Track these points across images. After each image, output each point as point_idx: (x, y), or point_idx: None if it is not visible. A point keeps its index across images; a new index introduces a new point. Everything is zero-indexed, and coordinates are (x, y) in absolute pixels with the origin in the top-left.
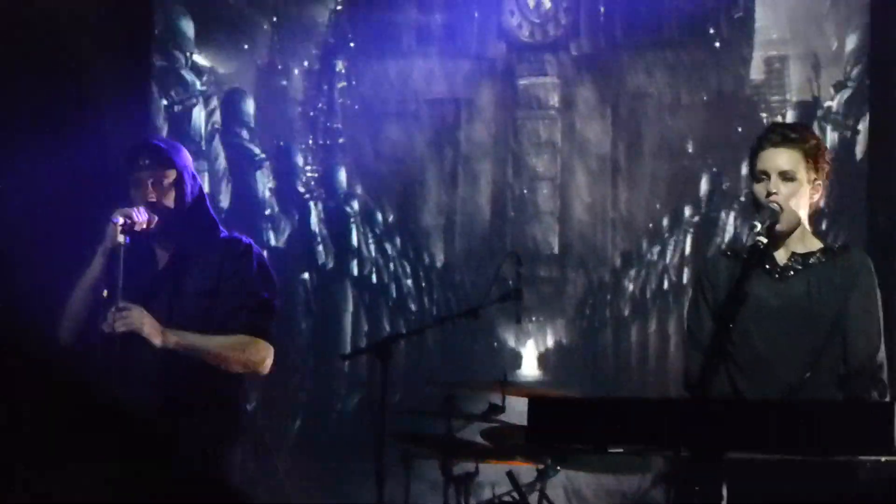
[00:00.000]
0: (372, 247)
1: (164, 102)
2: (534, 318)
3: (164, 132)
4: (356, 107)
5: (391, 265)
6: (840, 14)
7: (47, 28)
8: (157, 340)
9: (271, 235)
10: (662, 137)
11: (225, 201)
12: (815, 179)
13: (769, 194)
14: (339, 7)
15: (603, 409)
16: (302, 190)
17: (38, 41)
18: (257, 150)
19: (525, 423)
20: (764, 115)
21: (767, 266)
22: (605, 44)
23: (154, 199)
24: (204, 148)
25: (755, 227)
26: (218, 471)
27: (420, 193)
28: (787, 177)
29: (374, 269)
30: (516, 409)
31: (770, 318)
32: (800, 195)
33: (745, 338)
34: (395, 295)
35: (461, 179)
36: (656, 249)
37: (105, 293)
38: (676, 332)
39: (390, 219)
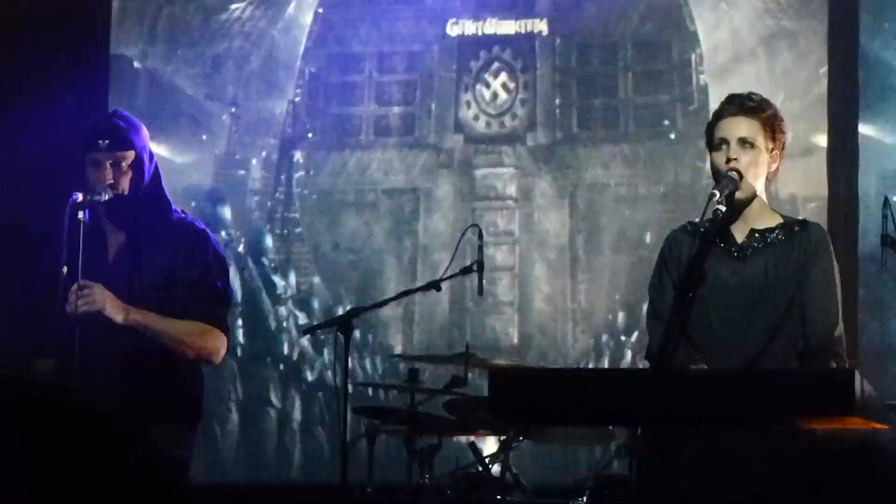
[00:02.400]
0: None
1: None
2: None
3: None
4: (314, 197)
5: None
6: (794, 106)
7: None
8: (119, 317)
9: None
10: (620, 229)
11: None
12: (773, 149)
13: (728, 161)
14: (297, 98)
15: (564, 382)
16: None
17: None
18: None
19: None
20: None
21: (727, 244)
22: (561, 136)
23: (112, 181)
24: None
25: (714, 195)
26: (179, 454)
27: (378, 284)
28: (746, 143)
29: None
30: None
31: (728, 298)
32: (758, 163)
33: (703, 317)
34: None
35: (420, 270)
36: (616, 341)
37: (65, 270)
38: None
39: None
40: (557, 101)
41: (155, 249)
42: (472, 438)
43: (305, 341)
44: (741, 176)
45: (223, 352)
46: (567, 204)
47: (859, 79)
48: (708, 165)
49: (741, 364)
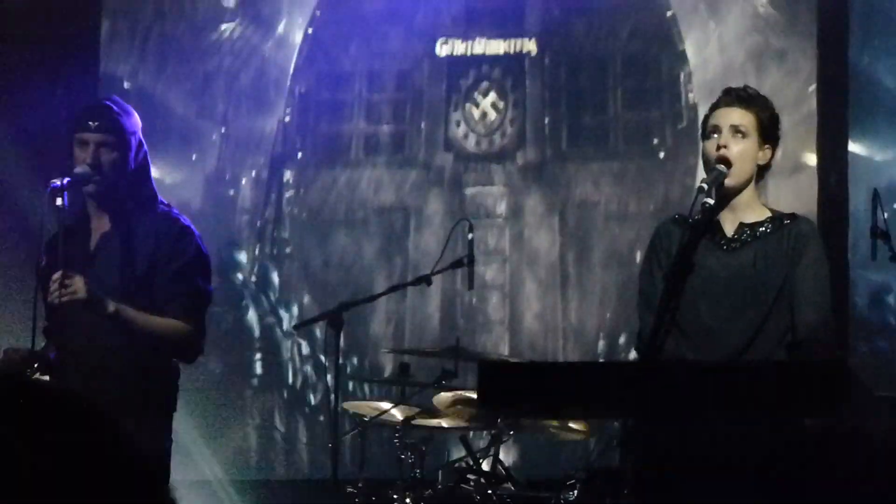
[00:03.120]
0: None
1: None
2: (484, 432)
3: None
4: (304, 216)
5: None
6: (784, 124)
7: None
8: (99, 309)
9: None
10: (610, 246)
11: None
12: (766, 145)
13: (719, 148)
14: (287, 117)
15: (553, 374)
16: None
17: None
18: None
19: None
20: None
21: (716, 237)
22: (551, 154)
23: (96, 162)
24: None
25: (703, 188)
26: (157, 445)
27: (369, 302)
28: (738, 131)
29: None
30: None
31: (717, 290)
32: (749, 154)
33: (692, 309)
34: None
35: (410, 288)
36: (607, 359)
37: (43, 259)
38: None
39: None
40: (547, 119)
41: (137, 239)
42: (462, 432)
43: (309, 368)
44: (730, 165)
45: (198, 351)
46: (557, 221)
47: (849, 96)
48: (697, 182)
49: (729, 355)
